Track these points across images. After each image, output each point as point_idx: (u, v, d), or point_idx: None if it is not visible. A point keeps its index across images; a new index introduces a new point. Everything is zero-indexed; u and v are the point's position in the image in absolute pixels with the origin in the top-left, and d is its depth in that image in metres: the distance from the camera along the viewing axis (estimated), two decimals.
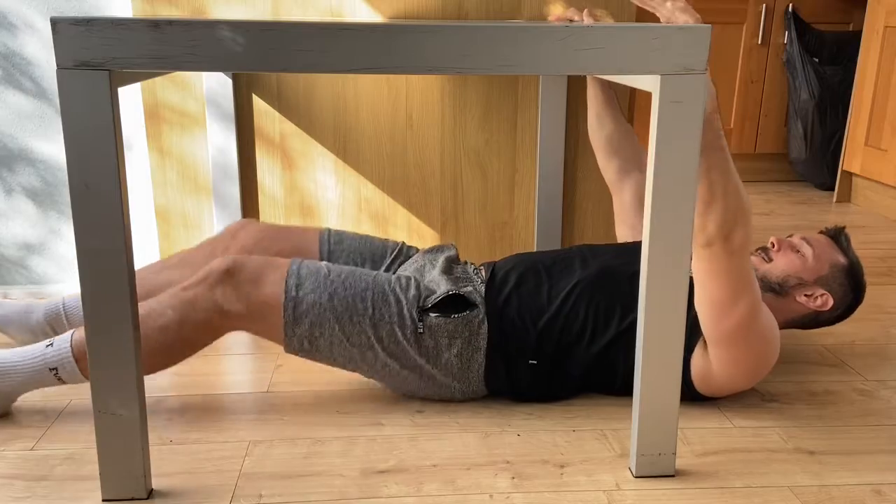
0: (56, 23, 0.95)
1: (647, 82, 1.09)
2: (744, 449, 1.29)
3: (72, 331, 1.30)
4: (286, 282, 1.34)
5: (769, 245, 1.52)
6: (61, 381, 1.29)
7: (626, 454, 1.27)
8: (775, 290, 1.47)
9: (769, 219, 2.86)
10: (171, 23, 0.96)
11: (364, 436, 1.32)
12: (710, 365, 1.34)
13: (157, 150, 1.83)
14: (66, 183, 1.88)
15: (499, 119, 1.91)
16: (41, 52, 1.80)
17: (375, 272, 1.42)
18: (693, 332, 1.32)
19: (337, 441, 1.30)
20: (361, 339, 1.35)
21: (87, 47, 0.96)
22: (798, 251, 1.49)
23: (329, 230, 1.65)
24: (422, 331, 1.35)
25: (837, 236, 1.52)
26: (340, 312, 1.34)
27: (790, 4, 3.21)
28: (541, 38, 1.00)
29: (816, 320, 1.51)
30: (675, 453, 1.20)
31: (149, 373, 1.32)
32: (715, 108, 1.15)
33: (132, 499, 1.13)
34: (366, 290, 1.36)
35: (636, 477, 1.20)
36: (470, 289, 1.41)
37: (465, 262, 1.56)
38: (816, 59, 3.20)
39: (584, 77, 1.77)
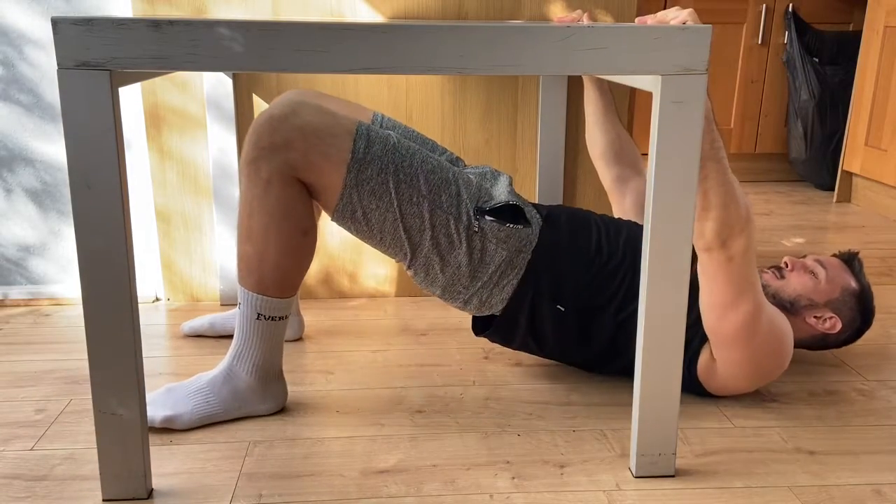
0: (57, 23, 0.95)
1: (648, 82, 1.09)
2: (744, 449, 1.29)
3: (239, 289, 1.31)
4: (354, 142, 1.26)
5: (783, 264, 1.52)
6: (272, 319, 1.30)
7: (626, 454, 1.27)
8: (787, 308, 1.46)
9: (769, 219, 2.86)
10: (171, 23, 0.96)
11: (364, 436, 1.32)
12: (715, 363, 1.35)
13: (158, 150, 1.83)
14: (67, 183, 1.88)
15: (499, 119, 1.91)
16: (42, 52, 1.80)
17: (441, 160, 1.37)
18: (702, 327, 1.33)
19: (337, 441, 1.30)
20: (415, 221, 1.29)
21: (88, 47, 0.96)
22: (811, 272, 1.49)
23: (383, 115, 1.58)
24: (476, 230, 1.32)
25: (851, 261, 1.52)
26: (403, 188, 1.28)
27: (790, 4, 3.21)
28: (541, 38, 1.00)
29: (824, 342, 1.51)
30: (675, 453, 1.20)
31: (293, 277, 1.30)
32: (710, 119, 1.16)
33: (132, 499, 1.13)
34: (431, 173, 1.31)
35: (636, 477, 1.20)
36: (529, 210, 1.40)
37: None
38: (816, 59, 3.20)
39: (583, 78, 1.77)
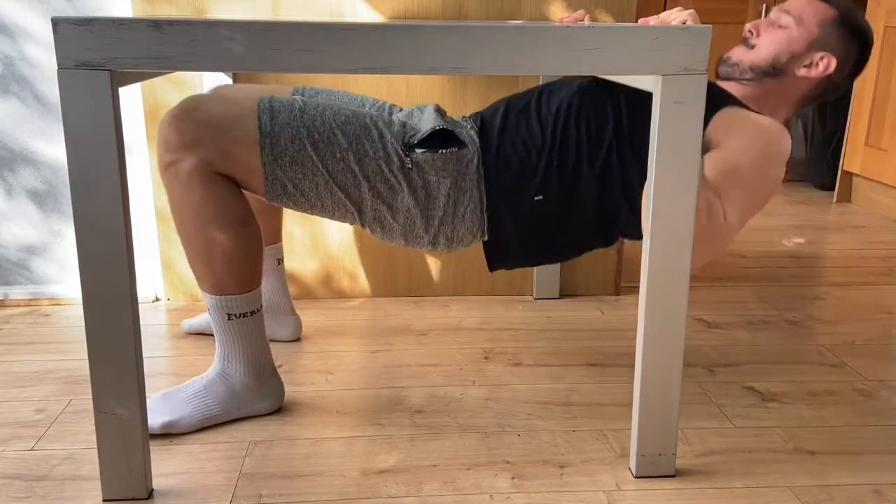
0: (57, 23, 0.95)
1: (648, 83, 1.09)
2: (744, 449, 1.29)
3: (203, 294, 1.31)
4: (258, 118, 1.23)
5: (747, 33, 1.42)
6: (243, 315, 1.30)
7: (626, 454, 1.27)
8: (770, 73, 1.37)
9: (769, 219, 2.86)
10: (171, 23, 0.96)
11: (364, 436, 1.32)
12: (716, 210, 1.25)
13: None
14: (67, 183, 1.88)
15: None
16: (43, 53, 1.80)
17: (354, 108, 1.32)
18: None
19: (337, 441, 1.30)
20: (347, 177, 1.26)
21: (88, 47, 0.96)
22: (778, 24, 1.39)
23: (304, 87, 1.54)
24: (409, 167, 1.28)
25: None
26: (322, 148, 1.24)
27: None
28: (541, 38, 1.00)
29: (830, 86, 1.40)
30: (675, 453, 1.20)
31: (220, 285, 1.28)
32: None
33: (133, 499, 1.13)
34: (346, 124, 1.27)
35: (636, 477, 1.20)
36: (460, 130, 1.34)
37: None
38: None
39: None
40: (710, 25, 1.04)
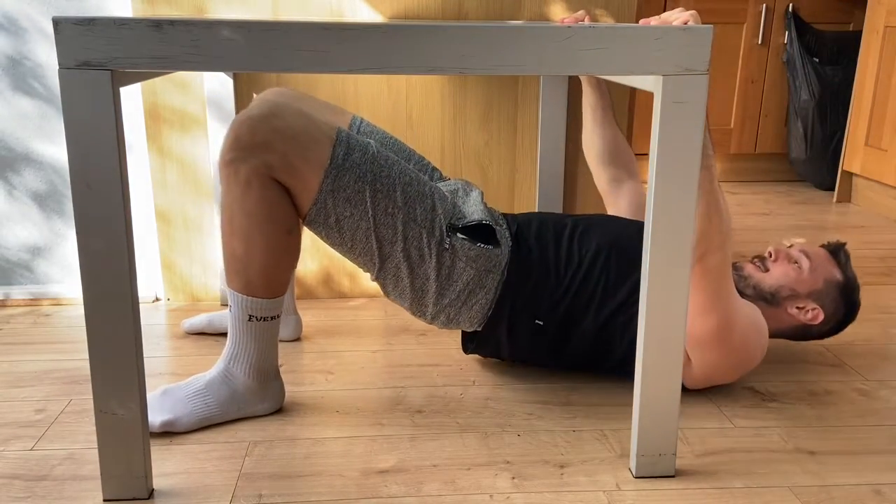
0: (58, 23, 0.95)
1: (649, 83, 1.09)
2: (744, 449, 1.29)
3: (226, 291, 1.33)
4: (333, 148, 1.26)
5: (766, 255, 1.52)
6: (264, 319, 1.31)
7: (626, 454, 1.27)
8: (767, 299, 1.47)
9: (769, 219, 2.86)
10: (172, 23, 0.96)
11: (364, 436, 1.32)
12: (690, 360, 1.37)
13: (158, 150, 1.83)
14: (68, 183, 1.88)
15: (499, 119, 1.91)
16: (45, 53, 1.80)
17: (419, 173, 1.36)
18: None
19: (337, 441, 1.30)
20: (388, 232, 1.29)
21: (89, 47, 0.96)
22: (794, 263, 1.49)
23: (362, 118, 1.57)
24: (447, 246, 1.32)
25: (837, 252, 1.52)
26: (379, 198, 1.27)
27: (790, 4, 3.21)
28: (542, 38, 1.00)
29: (806, 333, 1.52)
30: (675, 454, 1.20)
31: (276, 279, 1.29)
32: (704, 125, 1.16)
33: (133, 499, 1.13)
34: (408, 185, 1.31)
35: (636, 477, 1.20)
36: (500, 230, 1.40)
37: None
38: (816, 59, 3.20)
39: (582, 80, 1.77)
40: (712, 26, 1.04)
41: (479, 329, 1.42)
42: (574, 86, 1.88)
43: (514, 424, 1.36)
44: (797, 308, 1.47)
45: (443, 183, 1.53)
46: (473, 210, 1.40)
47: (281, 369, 1.56)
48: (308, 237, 1.91)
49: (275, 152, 1.22)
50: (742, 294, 1.48)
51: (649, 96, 3.12)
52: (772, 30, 3.27)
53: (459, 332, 1.76)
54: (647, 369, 1.16)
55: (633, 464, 1.21)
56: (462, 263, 1.34)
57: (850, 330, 1.79)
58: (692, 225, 1.10)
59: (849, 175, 3.11)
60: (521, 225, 1.45)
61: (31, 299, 1.91)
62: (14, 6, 1.76)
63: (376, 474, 1.21)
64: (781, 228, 2.72)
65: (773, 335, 1.51)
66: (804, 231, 2.68)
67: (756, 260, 1.53)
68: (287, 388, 1.48)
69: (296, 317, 1.70)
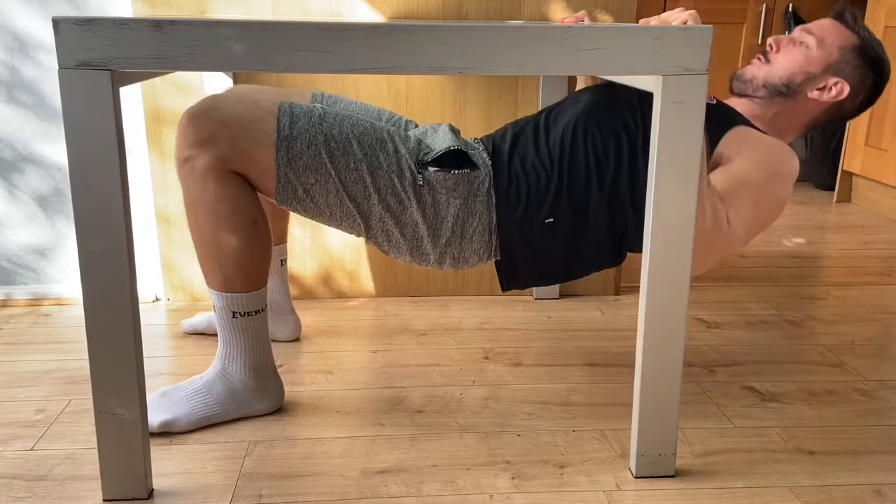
0: (58, 23, 0.95)
1: (649, 83, 1.09)
2: (744, 449, 1.29)
3: (209, 291, 1.32)
4: (278, 120, 1.24)
5: (767, 48, 1.42)
6: (248, 314, 1.30)
7: (626, 454, 1.27)
8: (783, 92, 1.38)
9: None
10: (172, 23, 0.96)
11: (364, 436, 1.32)
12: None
13: (158, 150, 1.83)
14: (68, 183, 1.88)
15: (499, 119, 1.91)
16: (45, 53, 1.80)
17: (373, 121, 1.33)
18: None
19: (337, 441, 1.30)
20: (358, 187, 1.27)
21: (89, 47, 0.96)
22: (800, 43, 1.38)
23: (323, 93, 1.54)
24: (421, 184, 1.28)
25: (842, 15, 1.39)
26: (337, 156, 1.25)
27: (790, 4, 3.21)
28: (542, 38, 1.00)
29: (839, 112, 1.41)
30: (675, 454, 1.20)
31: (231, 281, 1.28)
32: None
33: (133, 499, 1.13)
34: (363, 135, 1.28)
35: (636, 477, 1.20)
36: (473, 152, 1.36)
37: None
38: None
39: (578, 81, 1.77)
40: (712, 26, 1.04)
41: (499, 257, 1.36)
42: (574, 86, 1.88)
43: (514, 424, 1.36)
44: (818, 89, 1.36)
45: (413, 130, 1.49)
46: (441, 141, 1.35)
47: (280, 369, 1.56)
48: (308, 237, 1.91)
49: (223, 142, 1.21)
50: (756, 100, 1.39)
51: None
52: (772, 30, 3.27)
53: (459, 327, 1.76)
54: (647, 369, 1.16)
55: (633, 464, 1.21)
56: (443, 196, 1.30)
57: (850, 330, 1.80)
58: (692, 224, 1.10)
59: (849, 175, 3.11)
60: (495, 140, 1.41)
61: (32, 299, 1.91)
62: (16, 6, 1.76)
63: (376, 474, 1.21)
64: (782, 228, 2.72)
65: (807, 130, 1.41)
66: (804, 231, 2.68)
67: (757, 57, 1.43)
68: (287, 388, 1.48)
69: (294, 317, 1.70)
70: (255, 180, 1.26)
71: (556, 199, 1.33)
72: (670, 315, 1.14)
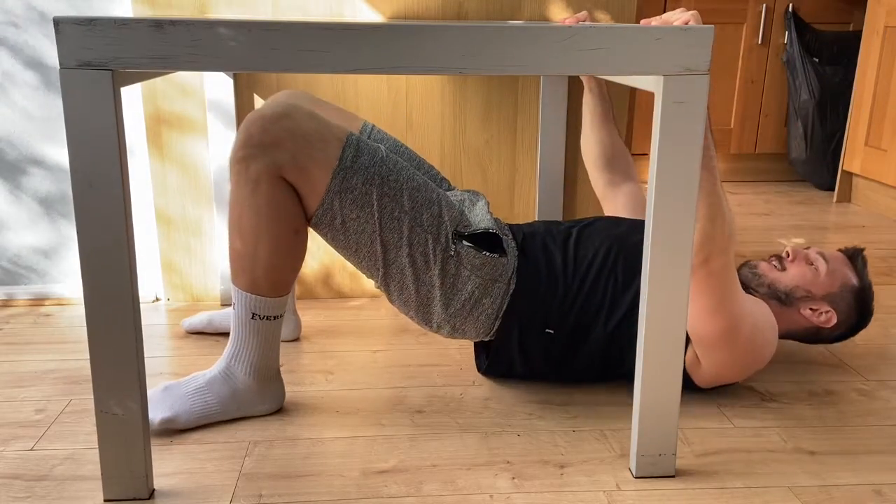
0: (59, 23, 0.95)
1: (650, 83, 1.09)
2: (744, 449, 1.29)
3: (231, 288, 1.32)
4: (343, 149, 1.26)
5: (784, 254, 1.52)
6: (267, 318, 1.31)
7: (626, 454, 1.27)
8: (781, 299, 1.47)
9: (769, 219, 2.86)
10: (173, 23, 0.96)
11: (364, 436, 1.32)
12: (698, 360, 1.37)
13: (158, 150, 1.83)
14: (69, 183, 1.88)
15: (499, 119, 1.91)
16: (49, 54, 1.79)
17: (426, 179, 1.37)
18: None
19: (337, 441, 1.30)
20: (393, 236, 1.29)
21: (90, 47, 0.96)
22: (812, 264, 1.49)
23: (373, 125, 1.58)
24: (452, 254, 1.32)
25: (855, 257, 1.51)
26: (386, 202, 1.27)
27: (790, 4, 3.21)
28: (543, 38, 1.00)
29: (817, 336, 1.51)
30: (675, 454, 1.20)
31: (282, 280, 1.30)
32: (706, 125, 1.16)
33: (134, 499, 1.13)
34: (415, 190, 1.30)
35: (636, 477, 1.20)
36: (506, 239, 1.40)
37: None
38: (816, 59, 3.20)
39: (584, 84, 1.77)
40: (713, 26, 1.05)
41: (491, 339, 1.41)
42: (574, 86, 1.88)
43: (514, 424, 1.36)
44: (811, 309, 1.46)
45: (450, 192, 1.53)
46: (480, 219, 1.39)
47: (281, 369, 1.56)
48: (309, 238, 1.91)
49: (285, 152, 1.22)
50: (754, 292, 1.48)
51: (649, 96, 3.12)
52: (772, 30, 3.27)
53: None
54: (647, 369, 1.16)
55: (633, 464, 1.21)
56: (467, 272, 1.33)
57: None
58: (692, 225, 1.10)
59: (849, 175, 3.11)
60: (525, 234, 1.45)
61: (31, 299, 1.91)
62: (17, 6, 1.76)
63: (376, 474, 1.21)
64: (782, 228, 2.72)
65: (783, 336, 1.51)
66: (804, 231, 2.68)
67: (773, 259, 1.52)
68: (287, 388, 1.48)
69: (295, 317, 1.70)
70: (300, 195, 1.27)
71: (563, 317, 1.39)
72: (670, 315, 1.14)
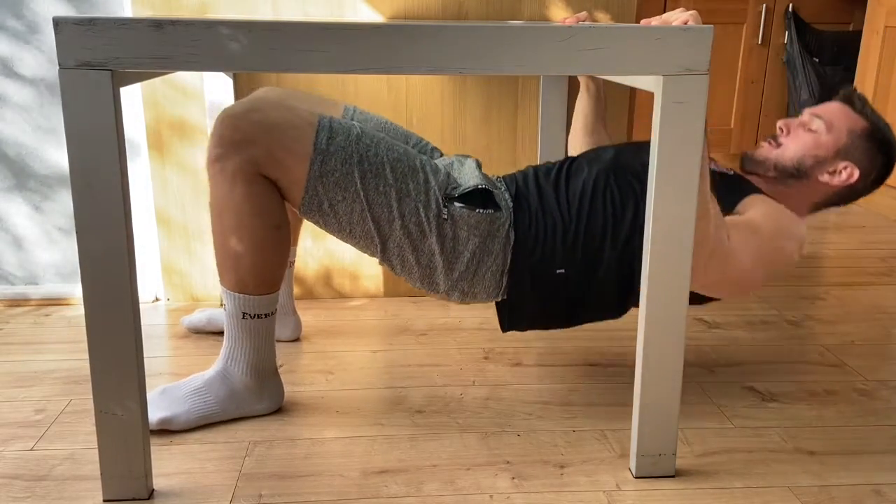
0: (58, 23, 0.95)
1: (649, 83, 1.09)
2: (744, 449, 1.29)
3: (221, 290, 1.32)
4: (316, 133, 1.25)
5: (778, 130, 1.43)
6: (258, 316, 1.31)
7: (626, 454, 1.27)
8: (794, 174, 1.39)
9: None
10: (173, 23, 0.96)
11: (364, 436, 1.32)
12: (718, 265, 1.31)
13: (158, 150, 1.83)
14: (68, 183, 1.88)
15: (499, 120, 1.91)
16: (46, 53, 1.79)
17: (406, 147, 1.34)
18: None
19: (337, 441, 1.30)
20: (383, 211, 1.27)
21: (90, 47, 0.96)
22: (809, 128, 1.40)
23: (355, 107, 1.55)
24: (445, 217, 1.30)
25: (850, 99, 1.42)
26: (368, 178, 1.26)
27: (790, 4, 3.22)
28: (543, 38, 1.00)
29: (852, 193, 1.42)
30: (675, 454, 1.20)
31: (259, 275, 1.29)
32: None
33: (133, 499, 1.13)
34: (396, 161, 1.28)
35: (636, 477, 1.20)
36: (498, 193, 1.37)
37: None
38: (816, 59, 3.20)
39: (581, 85, 1.77)
40: (712, 26, 1.05)
41: (505, 297, 1.37)
42: (574, 86, 1.88)
43: (514, 424, 1.36)
44: (828, 173, 1.38)
45: (440, 159, 1.51)
46: (469, 177, 1.36)
47: (281, 369, 1.56)
48: (310, 238, 1.91)
49: (258, 146, 1.22)
50: (767, 179, 1.41)
51: (649, 96, 3.12)
52: (772, 30, 3.27)
53: (459, 327, 1.76)
54: (647, 369, 1.16)
55: (633, 464, 1.21)
56: (464, 232, 1.31)
57: (849, 330, 1.80)
58: (692, 225, 1.10)
59: None
60: (518, 182, 1.42)
61: (31, 299, 1.90)
62: (18, 7, 1.76)
63: (376, 474, 1.21)
64: None
65: (818, 207, 1.43)
66: (808, 226, 2.68)
67: (768, 139, 1.45)
68: (287, 388, 1.48)
69: (295, 317, 1.70)
70: (283, 187, 1.26)
71: (571, 252, 1.35)
72: (670, 315, 1.14)
